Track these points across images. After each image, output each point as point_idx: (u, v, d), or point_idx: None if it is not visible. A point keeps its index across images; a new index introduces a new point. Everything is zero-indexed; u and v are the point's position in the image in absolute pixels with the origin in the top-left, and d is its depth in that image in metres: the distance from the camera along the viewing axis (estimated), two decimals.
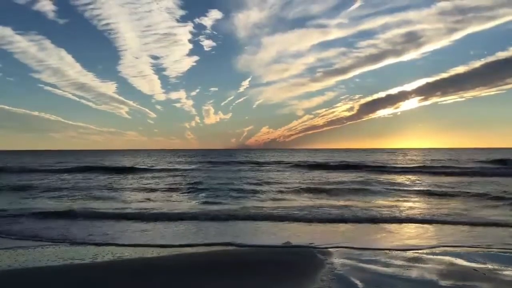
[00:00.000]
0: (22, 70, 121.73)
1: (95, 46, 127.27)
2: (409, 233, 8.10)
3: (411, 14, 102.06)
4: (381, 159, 49.07)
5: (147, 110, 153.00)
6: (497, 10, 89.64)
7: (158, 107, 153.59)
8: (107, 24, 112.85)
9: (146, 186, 18.79)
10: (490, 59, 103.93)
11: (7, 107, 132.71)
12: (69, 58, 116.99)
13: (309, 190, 15.98)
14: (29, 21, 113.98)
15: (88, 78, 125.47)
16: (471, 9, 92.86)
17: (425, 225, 8.89)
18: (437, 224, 8.97)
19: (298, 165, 34.64)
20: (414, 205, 12.16)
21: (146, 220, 9.63)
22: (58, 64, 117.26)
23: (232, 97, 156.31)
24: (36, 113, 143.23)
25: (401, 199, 13.59)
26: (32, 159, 55.66)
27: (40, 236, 7.80)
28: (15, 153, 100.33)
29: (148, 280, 4.96)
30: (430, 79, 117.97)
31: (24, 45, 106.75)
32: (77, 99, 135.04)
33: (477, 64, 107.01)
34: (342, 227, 8.83)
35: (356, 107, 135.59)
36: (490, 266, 5.49)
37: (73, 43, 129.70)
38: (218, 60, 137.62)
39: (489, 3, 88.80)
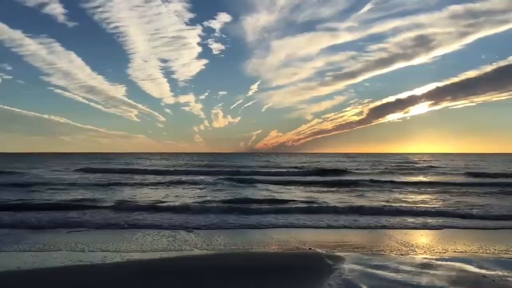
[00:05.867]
0: (32, 73, 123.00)
1: (104, 49, 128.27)
2: (419, 239, 8.06)
3: (422, 18, 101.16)
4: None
5: (156, 113, 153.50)
6: (510, 14, 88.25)
7: (167, 110, 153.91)
8: (116, 27, 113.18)
9: None
10: (502, 63, 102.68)
11: (17, 110, 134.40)
12: (78, 61, 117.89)
13: None
14: (39, 24, 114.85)
15: (98, 81, 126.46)
16: (483, 12, 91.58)
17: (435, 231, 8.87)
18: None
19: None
20: None
21: None
22: (68, 67, 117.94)
23: (241, 101, 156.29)
24: (46, 115, 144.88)
25: None
26: None
27: None
28: (23, 156, 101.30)
29: (156, 283, 5.00)
30: (440, 84, 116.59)
31: (34, 48, 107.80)
32: (87, 102, 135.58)
33: (488, 68, 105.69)
34: (350, 232, 8.82)
35: (366, 111, 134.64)
36: (500, 273, 5.45)
37: (83, 46, 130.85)
38: (227, 64, 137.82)
39: (502, 7, 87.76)
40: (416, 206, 12.55)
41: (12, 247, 7.06)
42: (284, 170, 33.57)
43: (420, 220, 10.14)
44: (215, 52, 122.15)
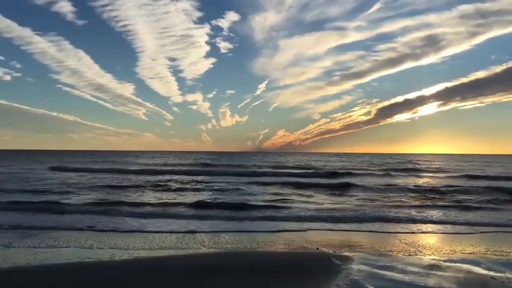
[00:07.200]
0: (41, 70, 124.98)
1: (113, 47, 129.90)
2: (426, 240, 8.03)
3: (431, 17, 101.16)
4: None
5: (164, 112, 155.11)
6: None
7: (175, 109, 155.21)
8: (125, 25, 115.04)
9: None
10: None
11: (26, 107, 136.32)
12: (87, 59, 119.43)
13: None
14: (48, 22, 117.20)
15: (106, 79, 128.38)
16: (493, 12, 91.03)
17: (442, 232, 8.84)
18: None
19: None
20: None
21: None
22: (77, 65, 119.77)
23: (248, 100, 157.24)
24: (54, 113, 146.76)
25: None
26: None
27: None
28: (30, 153, 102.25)
29: (163, 281, 5.04)
30: (449, 84, 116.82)
31: (43, 45, 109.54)
32: (95, 100, 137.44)
33: (498, 69, 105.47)
34: (357, 234, 8.81)
35: (374, 111, 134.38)
36: (509, 275, 5.41)
37: (92, 44, 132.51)
38: (235, 63, 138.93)
39: None
40: (414, 209, 12.50)
41: (22, 243, 7.15)
42: (277, 170, 32.58)
43: (421, 224, 10.11)
44: (223, 51, 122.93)
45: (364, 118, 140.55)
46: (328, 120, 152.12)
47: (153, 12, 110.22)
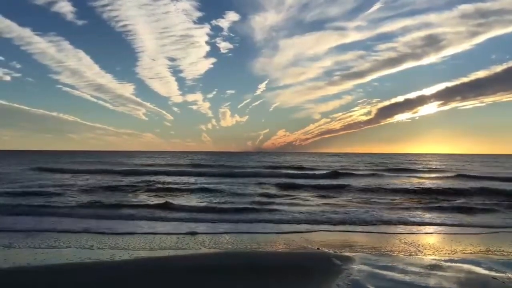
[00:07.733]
0: (41, 71, 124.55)
1: (113, 47, 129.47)
2: (426, 240, 8.02)
3: (431, 17, 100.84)
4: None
5: (164, 112, 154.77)
6: None
7: (175, 109, 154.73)
8: (125, 25, 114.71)
9: None
10: None
11: (26, 108, 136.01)
12: (87, 59, 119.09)
13: None
14: (48, 22, 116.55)
15: (106, 80, 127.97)
16: (494, 12, 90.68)
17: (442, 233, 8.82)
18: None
19: None
20: None
21: None
22: (77, 65, 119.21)
23: (248, 100, 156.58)
24: (54, 113, 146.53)
25: None
26: None
27: None
28: (30, 154, 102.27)
29: (163, 281, 5.03)
30: (449, 84, 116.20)
31: (43, 46, 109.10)
32: (95, 100, 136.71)
33: (498, 68, 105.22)
34: (359, 234, 8.80)
35: (374, 111, 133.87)
36: (510, 275, 5.40)
37: (92, 44, 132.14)
38: (235, 63, 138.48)
39: None
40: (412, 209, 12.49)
41: (22, 243, 7.14)
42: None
43: (421, 224, 10.10)
44: (223, 51, 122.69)
45: (365, 118, 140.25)
46: (328, 120, 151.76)
47: (153, 12, 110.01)
